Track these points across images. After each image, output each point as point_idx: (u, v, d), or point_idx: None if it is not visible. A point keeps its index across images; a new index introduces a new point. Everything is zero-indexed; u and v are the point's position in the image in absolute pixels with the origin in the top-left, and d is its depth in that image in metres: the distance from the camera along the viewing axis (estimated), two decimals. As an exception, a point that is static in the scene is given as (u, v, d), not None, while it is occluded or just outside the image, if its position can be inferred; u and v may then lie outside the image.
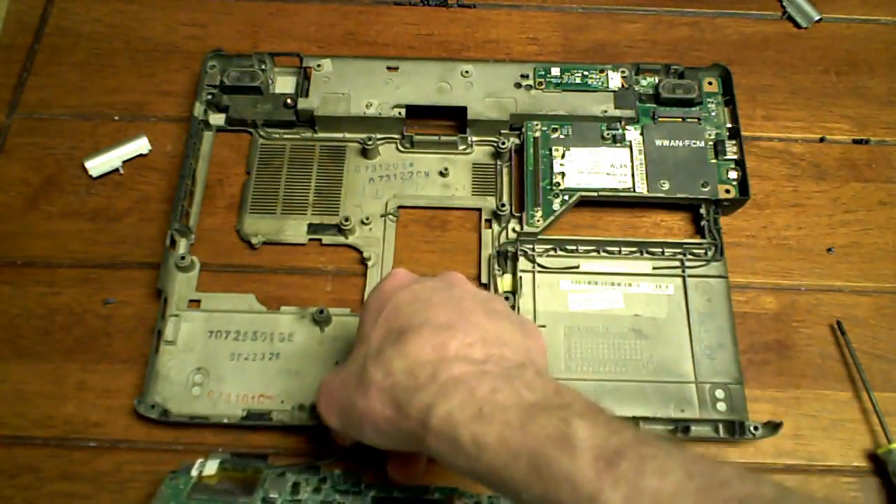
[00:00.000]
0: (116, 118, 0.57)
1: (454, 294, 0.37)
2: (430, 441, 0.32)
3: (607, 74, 0.55)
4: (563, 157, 0.53)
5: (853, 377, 0.49)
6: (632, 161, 0.53)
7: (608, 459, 0.27)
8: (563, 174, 0.52)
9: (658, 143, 0.53)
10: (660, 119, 0.54)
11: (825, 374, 0.49)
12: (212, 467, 0.42)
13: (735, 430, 0.45)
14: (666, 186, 0.52)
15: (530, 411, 0.30)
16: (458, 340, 0.34)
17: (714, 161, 0.53)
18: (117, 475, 0.46)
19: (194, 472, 0.42)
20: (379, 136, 0.54)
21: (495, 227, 0.52)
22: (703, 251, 0.51)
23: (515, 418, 0.30)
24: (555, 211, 0.51)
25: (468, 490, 0.43)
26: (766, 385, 0.48)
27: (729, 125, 0.54)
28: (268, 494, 0.41)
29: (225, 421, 0.46)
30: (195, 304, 0.50)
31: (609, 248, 0.51)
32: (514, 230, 0.51)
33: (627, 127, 0.54)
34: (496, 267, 0.51)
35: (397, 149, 0.55)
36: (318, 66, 0.56)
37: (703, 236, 0.51)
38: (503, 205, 0.52)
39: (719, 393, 0.46)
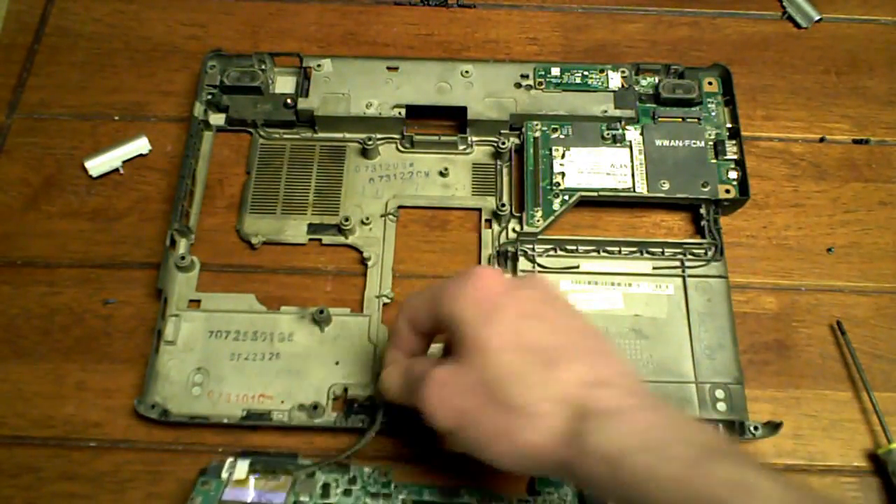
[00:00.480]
0: (116, 118, 0.57)
1: (565, 309, 0.38)
2: (583, 466, 0.32)
3: (607, 74, 0.55)
4: (563, 157, 0.53)
5: (853, 377, 0.49)
6: (632, 161, 0.53)
7: None
8: (563, 174, 0.52)
9: (658, 143, 0.53)
10: (660, 119, 0.54)
11: (825, 374, 0.49)
12: (242, 470, 0.42)
13: (735, 430, 0.46)
14: (666, 186, 0.52)
15: (704, 452, 0.30)
16: (609, 370, 0.35)
17: (714, 161, 0.53)
18: (117, 475, 0.46)
19: (224, 475, 0.42)
20: (379, 136, 0.54)
21: (495, 227, 0.52)
22: (703, 251, 0.51)
23: (689, 456, 0.30)
24: (555, 211, 0.51)
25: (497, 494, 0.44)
26: (766, 385, 0.48)
27: (729, 125, 0.54)
28: (298, 498, 0.42)
29: (225, 421, 0.46)
30: (195, 304, 0.50)
31: (609, 248, 0.51)
32: (514, 230, 0.51)
33: (627, 127, 0.54)
34: (496, 266, 0.51)
35: (397, 149, 0.55)
36: (318, 66, 0.56)
37: (703, 236, 0.51)
38: (503, 205, 0.52)
39: (719, 393, 0.46)
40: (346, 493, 0.43)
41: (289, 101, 0.55)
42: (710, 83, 0.55)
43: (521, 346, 0.35)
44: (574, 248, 0.51)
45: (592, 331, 0.37)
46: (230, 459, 0.43)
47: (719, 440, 0.31)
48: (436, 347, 0.44)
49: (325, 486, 0.43)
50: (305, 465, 0.43)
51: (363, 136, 0.54)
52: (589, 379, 0.34)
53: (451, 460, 0.43)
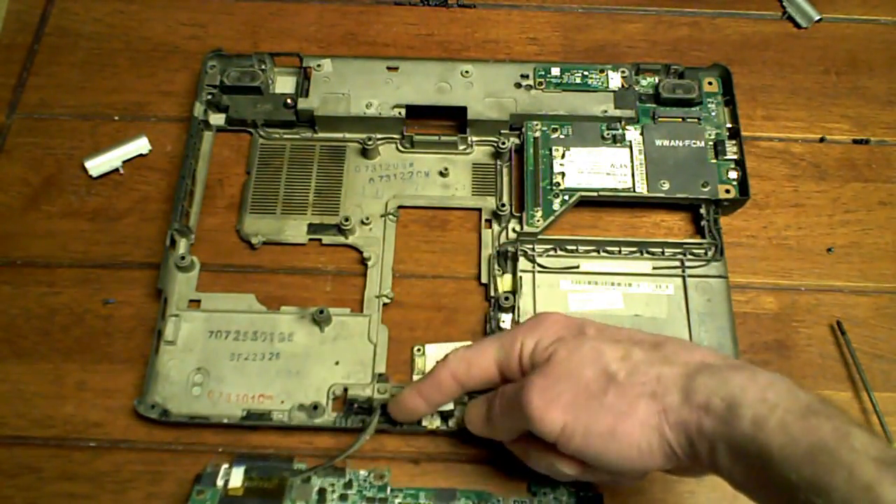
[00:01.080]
0: (116, 118, 0.57)
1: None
2: (700, 425, 0.34)
3: (607, 74, 0.55)
4: (563, 157, 0.53)
5: (853, 377, 0.49)
6: (632, 161, 0.53)
7: (888, 463, 0.29)
8: (563, 174, 0.52)
9: (658, 143, 0.53)
10: (660, 119, 0.54)
11: (825, 374, 0.49)
12: (237, 477, 0.42)
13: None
14: (666, 186, 0.52)
15: (809, 408, 0.32)
16: (704, 349, 0.38)
17: (714, 161, 0.53)
18: (117, 475, 0.46)
19: (220, 482, 0.42)
20: (379, 136, 0.54)
21: (495, 226, 0.52)
22: (703, 251, 0.51)
23: (797, 409, 0.32)
24: (555, 211, 0.51)
25: (495, 493, 0.44)
26: (766, 385, 0.48)
27: (729, 125, 0.54)
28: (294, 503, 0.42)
29: (225, 421, 0.45)
30: (195, 304, 0.50)
31: (609, 248, 0.51)
32: (514, 230, 0.51)
33: (627, 127, 0.54)
34: (496, 267, 0.51)
35: (397, 149, 0.55)
36: (318, 66, 0.56)
37: (703, 236, 0.51)
38: (503, 205, 0.52)
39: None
40: (342, 497, 0.43)
41: (289, 101, 0.55)
42: (710, 83, 0.55)
43: (621, 340, 0.38)
44: (574, 248, 0.51)
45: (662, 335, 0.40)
46: (224, 466, 0.43)
47: (826, 405, 0.33)
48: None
49: (321, 492, 0.43)
50: (301, 471, 0.43)
51: (363, 136, 0.54)
52: (695, 353, 0.37)
53: (448, 465, 0.44)
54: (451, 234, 0.53)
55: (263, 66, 0.55)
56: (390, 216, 0.53)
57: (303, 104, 0.54)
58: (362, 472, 0.44)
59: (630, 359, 0.37)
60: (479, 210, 0.53)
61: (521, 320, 0.48)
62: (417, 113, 0.55)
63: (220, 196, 0.54)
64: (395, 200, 0.53)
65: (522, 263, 0.50)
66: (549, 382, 0.37)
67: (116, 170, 0.55)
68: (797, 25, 0.62)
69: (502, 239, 0.51)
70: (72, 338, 0.49)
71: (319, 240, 0.52)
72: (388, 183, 0.54)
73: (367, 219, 0.52)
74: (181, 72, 0.59)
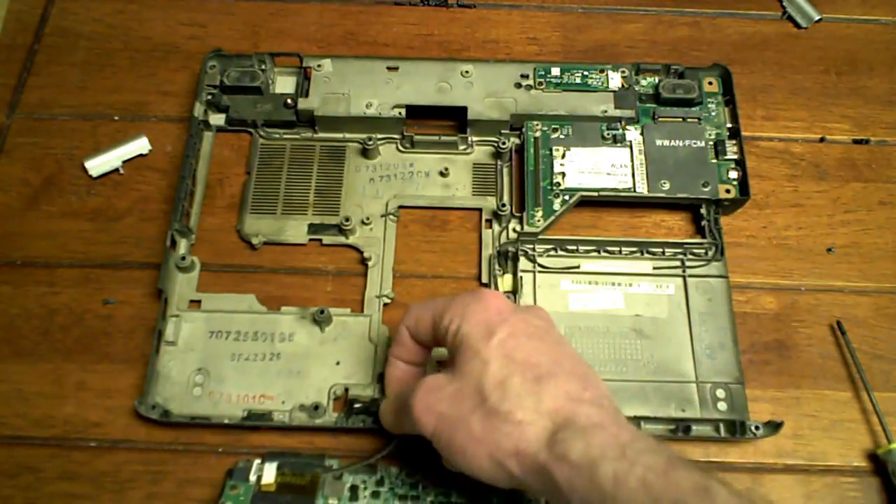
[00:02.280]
0: (116, 118, 0.57)
1: (558, 338, 0.40)
2: (561, 471, 0.34)
3: (607, 74, 0.55)
4: (563, 157, 0.53)
5: (853, 377, 0.49)
6: (632, 161, 0.53)
7: None
8: (563, 174, 0.52)
9: (658, 143, 0.53)
10: (660, 119, 0.54)
11: (825, 374, 0.49)
12: (270, 473, 0.43)
13: (736, 429, 0.45)
14: (666, 186, 0.52)
15: (672, 462, 0.33)
16: (591, 392, 0.37)
17: (714, 161, 0.53)
18: (117, 475, 0.46)
19: (252, 478, 0.43)
20: (379, 136, 0.54)
21: (496, 226, 0.52)
22: (703, 251, 0.51)
23: (658, 465, 0.32)
24: (555, 211, 0.51)
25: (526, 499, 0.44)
26: (767, 385, 0.48)
27: (729, 125, 0.54)
28: (327, 501, 0.42)
29: (226, 421, 0.45)
30: (196, 304, 0.50)
31: (609, 248, 0.51)
32: (514, 230, 0.51)
33: (628, 127, 0.54)
34: (497, 267, 0.51)
35: (397, 149, 0.55)
36: (319, 66, 0.56)
37: (703, 236, 0.52)
38: (503, 205, 0.52)
39: (720, 392, 0.46)
40: (375, 495, 0.43)
41: (289, 101, 0.55)
42: (710, 83, 0.55)
43: (515, 359, 0.37)
44: (575, 248, 0.51)
45: (578, 357, 0.40)
46: (257, 462, 0.43)
47: (680, 455, 0.34)
48: (437, 353, 0.45)
49: (353, 489, 0.43)
50: (333, 468, 0.43)
51: (363, 136, 0.54)
52: (574, 395, 0.36)
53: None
54: (452, 234, 0.53)
55: (263, 67, 0.55)
56: (391, 216, 0.53)
57: (303, 104, 0.54)
58: (394, 470, 0.44)
59: (505, 388, 0.36)
60: (480, 210, 0.53)
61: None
62: (418, 113, 0.55)
63: (220, 196, 0.54)
64: (395, 200, 0.53)
65: (523, 263, 0.50)
66: (437, 384, 0.38)
67: (116, 170, 0.55)
68: (797, 25, 0.62)
69: (503, 239, 0.51)
70: (72, 338, 0.49)
71: (320, 240, 0.52)
72: (388, 183, 0.54)
73: (368, 219, 0.52)
74: (181, 72, 0.59)
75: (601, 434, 0.34)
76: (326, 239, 0.52)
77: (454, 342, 0.39)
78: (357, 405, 0.46)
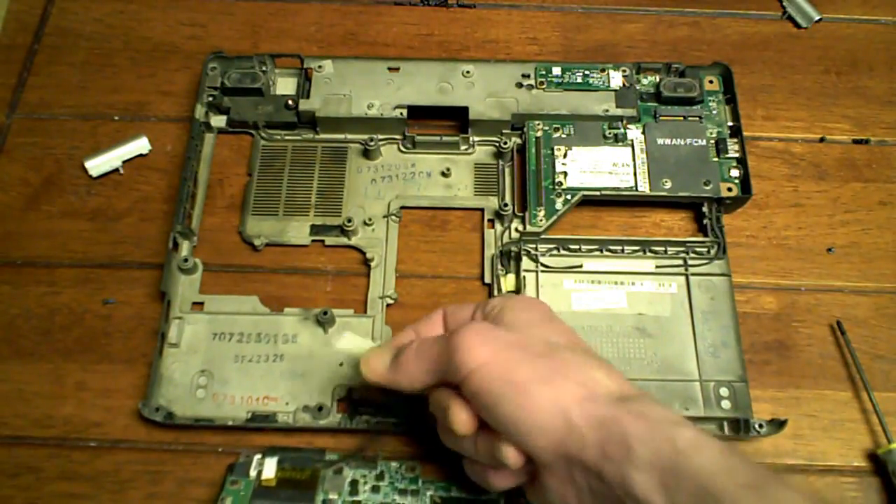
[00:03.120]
0: (116, 118, 0.57)
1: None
2: (632, 426, 0.33)
3: (608, 74, 0.55)
4: (565, 156, 0.53)
5: (853, 377, 0.49)
6: (634, 160, 0.53)
7: None
8: (565, 174, 0.52)
9: (660, 141, 0.53)
10: (661, 118, 0.54)
11: (825, 374, 0.49)
12: (270, 469, 0.43)
13: (740, 427, 0.46)
14: (668, 185, 0.52)
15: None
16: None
17: (716, 159, 0.53)
18: (117, 475, 0.46)
19: (252, 473, 0.43)
20: (381, 136, 0.54)
21: (498, 226, 0.52)
22: (705, 249, 0.51)
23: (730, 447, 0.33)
24: (557, 210, 0.51)
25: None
26: (767, 385, 0.49)
27: (730, 123, 0.54)
28: (328, 496, 0.42)
29: (230, 423, 0.45)
30: (198, 306, 0.49)
31: (612, 248, 0.51)
32: (516, 230, 0.51)
33: (629, 126, 0.54)
34: (499, 267, 0.51)
35: (399, 149, 0.55)
36: (319, 67, 0.55)
37: (705, 234, 0.52)
38: (506, 204, 0.52)
39: (723, 391, 0.46)
40: (375, 489, 0.43)
41: (290, 102, 0.55)
42: (710, 81, 0.55)
43: (575, 342, 0.39)
44: (577, 247, 0.51)
45: None
46: (258, 457, 0.43)
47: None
48: None
49: (354, 483, 0.43)
50: (334, 461, 0.44)
51: (365, 136, 0.54)
52: (620, 385, 0.36)
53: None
54: (454, 234, 0.53)
55: (264, 68, 0.55)
56: (393, 217, 0.52)
57: (304, 105, 0.54)
58: (394, 464, 0.44)
59: (574, 348, 0.37)
60: (482, 210, 0.53)
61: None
62: (419, 113, 0.55)
63: (221, 196, 0.54)
64: (397, 201, 0.53)
65: (525, 263, 0.50)
66: (488, 328, 0.37)
67: (116, 170, 0.55)
68: (797, 25, 0.62)
69: (505, 239, 0.51)
70: (72, 338, 0.49)
71: (322, 241, 0.52)
72: (390, 184, 0.54)
73: (370, 220, 0.52)
74: (181, 72, 0.59)
75: (672, 412, 0.35)
76: (329, 240, 0.52)
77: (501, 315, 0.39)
78: (362, 406, 0.46)
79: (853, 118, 0.58)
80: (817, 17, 0.61)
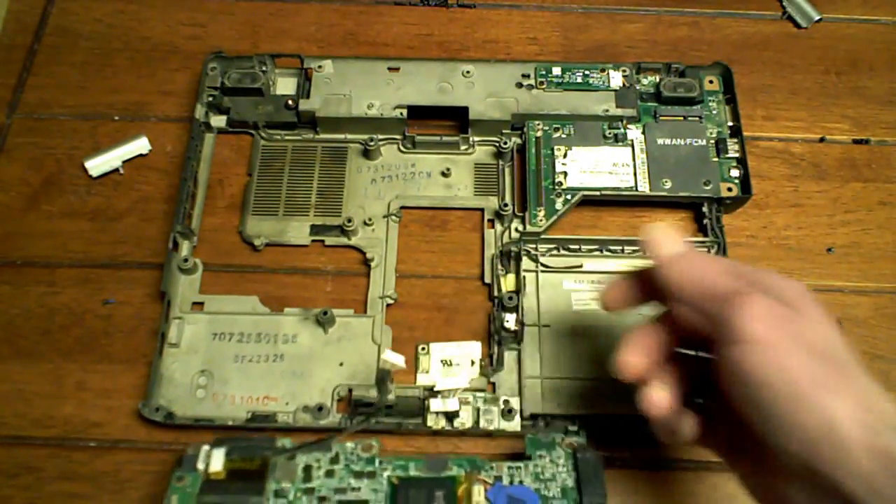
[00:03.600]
0: (116, 118, 0.57)
1: None
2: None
3: (608, 74, 0.55)
4: (565, 156, 0.53)
5: (854, 376, 0.49)
6: (634, 160, 0.53)
7: None
8: (565, 174, 0.52)
9: (660, 141, 0.53)
10: (661, 118, 0.54)
11: (826, 373, 0.49)
12: (217, 461, 0.41)
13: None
14: (668, 185, 0.52)
15: None
16: None
17: (716, 159, 0.53)
18: (117, 475, 0.46)
19: (200, 466, 0.41)
20: (380, 136, 0.54)
21: (498, 226, 0.52)
22: (705, 249, 0.51)
23: None
24: (557, 210, 0.51)
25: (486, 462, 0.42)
26: (768, 384, 0.48)
27: (730, 123, 0.54)
28: (280, 485, 0.40)
29: (230, 423, 0.45)
30: (198, 306, 0.49)
31: (612, 248, 0.51)
32: (516, 230, 0.51)
33: (629, 126, 0.54)
34: (499, 267, 0.51)
35: (399, 149, 0.55)
36: (319, 67, 0.55)
37: (705, 235, 0.52)
38: (506, 204, 0.52)
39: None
40: (329, 473, 0.41)
41: (290, 102, 0.55)
42: (710, 81, 0.55)
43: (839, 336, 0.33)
44: (577, 247, 0.51)
45: None
46: (205, 448, 0.41)
47: None
48: None
49: (307, 469, 0.41)
50: (284, 448, 0.42)
51: (365, 136, 0.54)
52: None
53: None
54: (454, 234, 0.53)
55: (264, 68, 0.55)
56: (393, 217, 0.52)
57: (304, 105, 0.54)
58: (349, 445, 0.42)
59: (851, 357, 0.32)
60: (482, 210, 0.53)
61: (525, 320, 0.48)
62: (419, 113, 0.55)
63: (221, 196, 0.54)
64: (397, 201, 0.53)
65: (525, 263, 0.50)
66: (781, 308, 0.32)
67: (116, 170, 0.55)
68: (797, 25, 0.62)
69: (505, 239, 0.51)
70: (72, 338, 0.49)
71: (322, 241, 0.52)
72: (390, 184, 0.54)
73: (370, 220, 0.52)
74: (181, 72, 0.59)
75: None
76: (329, 240, 0.52)
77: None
78: (361, 406, 0.46)
79: (853, 118, 0.58)
80: (817, 17, 0.61)
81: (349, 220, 0.51)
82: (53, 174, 0.55)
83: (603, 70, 0.55)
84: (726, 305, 0.32)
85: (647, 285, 0.38)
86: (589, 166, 0.52)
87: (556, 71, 0.55)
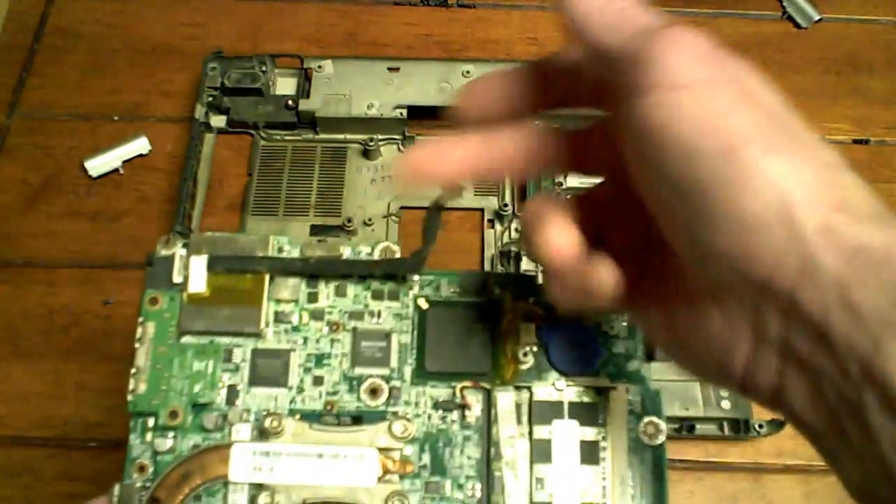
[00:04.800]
0: (116, 118, 0.57)
1: None
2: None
3: (608, 74, 0.55)
4: (564, 156, 0.53)
5: (854, 377, 0.49)
6: (634, 161, 0.52)
7: None
8: (565, 174, 0.52)
9: (660, 142, 0.53)
10: (661, 119, 0.54)
11: (826, 373, 0.49)
12: (199, 278, 0.30)
13: (740, 427, 0.46)
14: (668, 186, 0.51)
15: None
16: None
17: (715, 161, 0.53)
18: (117, 475, 0.45)
19: (177, 278, 0.30)
20: (380, 136, 0.54)
21: (498, 226, 0.52)
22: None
23: None
24: (557, 211, 0.51)
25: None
26: (768, 385, 0.48)
27: (730, 125, 0.54)
28: (279, 307, 0.31)
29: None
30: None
31: (611, 248, 0.51)
32: (516, 230, 0.51)
33: (629, 127, 0.54)
34: (499, 267, 0.51)
35: (399, 149, 0.55)
36: (319, 67, 0.55)
37: (704, 236, 0.51)
38: (505, 205, 0.52)
39: (723, 391, 0.46)
40: (340, 291, 0.31)
41: (290, 102, 0.55)
42: (710, 83, 0.55)
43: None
44: (576, 247, 0.51)
45: None
46: (180, 254, 0.31)
47: None
48: None
49: (314, 280, 0.31)
50: (278, 258, 0.31)
51: (365, 137, 0.54)
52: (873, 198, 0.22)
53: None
54: (454, 235, 0.53)
55: (264, 68, 0.55)
56: (393, 217, 0.52)
57: (304, 105, 0.54)
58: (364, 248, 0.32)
59: (807, 127, 0.21)
60: (482, 210, 0.53)
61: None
62: (419, 113, 0.55)
63: (221, 196, 0.54)
64: (397, 201, 0.53)
65: (525, 263, 0.50)
66: (715, 44, 0.21)
67: (116, 170, 0.55)
68: (797, 25, 0.62)
69: (505, 239, 0.51)
70: (72, 338, 0.49)
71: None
72: (390, 184, 0.54)
73: (370, 220, 0.52)
74: (181, 72, 0.59)
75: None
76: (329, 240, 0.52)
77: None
78: None
79: (853, 118, 0.58)
80: (817, 17, 0.61)
81: (349, 221, 0.51)
82: (53, 174, 0.55)
83: (603, 70, 0.55)
84: (648, 40, 0.21)
85: (537, 82, 0.26)
86: (588, 166, 0.52)
87: (556, 71, 0.55)
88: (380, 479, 0.29)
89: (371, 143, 0.54)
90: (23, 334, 0.49)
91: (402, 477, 0.29)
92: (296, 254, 0.31)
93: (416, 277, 0.31)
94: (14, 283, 0.51)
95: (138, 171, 0.55)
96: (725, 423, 0.46)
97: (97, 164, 0.54)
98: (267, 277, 0.30)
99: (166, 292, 0.30)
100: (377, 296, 0.31)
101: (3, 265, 0.52)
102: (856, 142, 0.57)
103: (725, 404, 0.46)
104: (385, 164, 0.54)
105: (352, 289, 0.31)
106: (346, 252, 0.31)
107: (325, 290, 0.31)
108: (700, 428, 0.46)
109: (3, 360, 0.49)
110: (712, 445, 0.47)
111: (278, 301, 0.31)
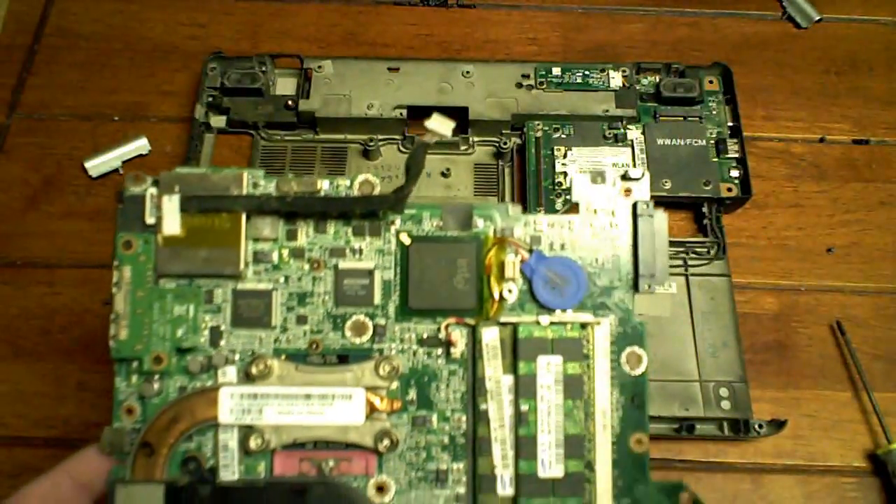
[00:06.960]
0: (116, 118, 0.57)
1: None
2: None
3: (608, 74, 0.55)
4: (564, 156, 0.53)
5: (853, 377, 0.49)
6: (634, 160, 0.53)
7: None
8: (564, 174, 0.52)
9: (660, 141, 0.53)
10: (661, 118, 0.54)
11: (825, 374, 0.49)
12: (173, 219, 0.29)
13: (740, 427, 0.46)
14: (668, 185, 0.52)
15: None
16: None
17: (716, 159, 0.53)
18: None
19: (149, 219, 0.30)
20: (380, 137, 0.54)
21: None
22: (705, 250, 0.51)
23: None
24: (557, 211, 0.51)
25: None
26: (767, 385, 0.49)
27: (730, 123, 0.54)
28: (257, 246, 0.30)
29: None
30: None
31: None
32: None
33: (629, 126, 0.54)
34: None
35: (399, 150, 0.55)
36: (319, 67, 0.55)
37: (704, 235, 0.52)
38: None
39: (723, 391, 0.46)
40: (320, 228, 0.30)
41: (290, 102, 0.55)
42: (710, 82, 0.55)
43: None
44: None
45: None
46: (151, 192, 0.30)
47: None
48: None
49: (292, 217, 0.30)
50: (254, 197, 0.30)
51: (364, 137, 0.54)
52: None
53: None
54: (453, 234, 0.53)
55: (264, 68, 0.55)
56: (392, 216, 0.52)
57: (304, 106, 0.54)
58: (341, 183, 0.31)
59: None
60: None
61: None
62: (419, 113, 0.55)
63: (221, 196, 0.54)
64: (396, 200, 0.53)
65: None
66: None
67: (116, 170, 0.55)
68: (797, 25, 0.62)
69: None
70: (72, 338, 0.49)
71: (321, 241, 0.52)
72: (390, 184, 0.54)
73: (369, 219, 0.52)
74: (181, 72, 0.59)
75: None
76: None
77: None
78: None
79: (853, 118, 0.58)
80: (817, 17, 0.61)
81: (349, 221, 0.51)
82: (53, 174, 0.55)
83: (603, 70, 0.55)
84: None
85: None
86: (589, 166, 0.52)
87: (556, 71, 0.55)
88: (368, 417, 0.29)
89: (371, 144, 0.54)
90: (23, 334, 0.49)
91: (389, 414, 0.30)
92: (272, 190, 0.30)
93: (395, 220, 0.31)
94: (14, 283, 0.51)
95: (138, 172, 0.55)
96: (725, 424, 0.46)
97: (97, 165, 0.54)
98: (244, 216, 0.30)
99: (140, 234, 0.30)
100: (358, 231, 0.30)
101: (3, 265, 0.52)
102: (856, 142, 0.57)
103: (725, 405, 0.46)
104: (385, 164, 0.54)
105: (332, 225, 0.30)
106: (324, 186, 0.30)
107: (305, 227, 0.30)
108: (700, 428, 0.46)
109: (3, 360, 0.49)
110: (712, 445, 0.47)
111: (256, 240, 0.30)
